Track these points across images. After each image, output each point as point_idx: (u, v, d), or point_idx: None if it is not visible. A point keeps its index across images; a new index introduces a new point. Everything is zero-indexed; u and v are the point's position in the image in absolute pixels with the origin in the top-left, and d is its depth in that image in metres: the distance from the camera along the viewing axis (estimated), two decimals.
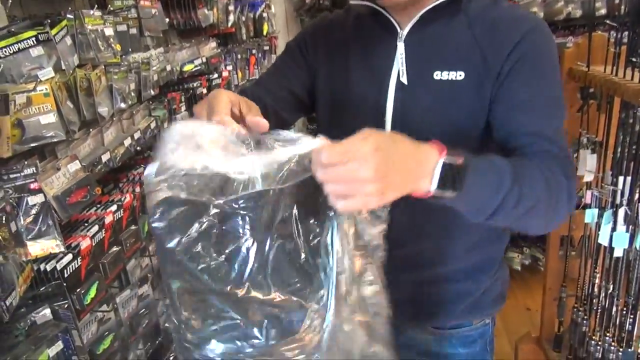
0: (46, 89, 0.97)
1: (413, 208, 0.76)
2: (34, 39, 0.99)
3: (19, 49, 0.98)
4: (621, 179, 1.56)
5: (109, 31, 1.14)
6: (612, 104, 1.65)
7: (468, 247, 0.97)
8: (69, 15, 1.09)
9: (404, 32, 0.90)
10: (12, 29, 0.99)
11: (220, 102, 0.68)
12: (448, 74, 0.86)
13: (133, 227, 1.24)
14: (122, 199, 1.21)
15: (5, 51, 0.95)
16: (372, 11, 0.92)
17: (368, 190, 0.58)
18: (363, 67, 0.93)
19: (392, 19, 0.90)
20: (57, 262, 0.98)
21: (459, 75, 0.86)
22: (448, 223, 0.93)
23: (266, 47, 2.62)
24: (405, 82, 0.89)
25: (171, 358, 1.42)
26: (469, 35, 0.87)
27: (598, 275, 1.74)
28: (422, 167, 0.63)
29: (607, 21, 1.66)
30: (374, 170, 0.57)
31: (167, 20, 1.64)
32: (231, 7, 2.14)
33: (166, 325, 1.35)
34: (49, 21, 1.02)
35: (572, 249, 2.04)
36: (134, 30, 1.39)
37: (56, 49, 1.03)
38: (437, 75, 0.87)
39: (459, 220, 0.80)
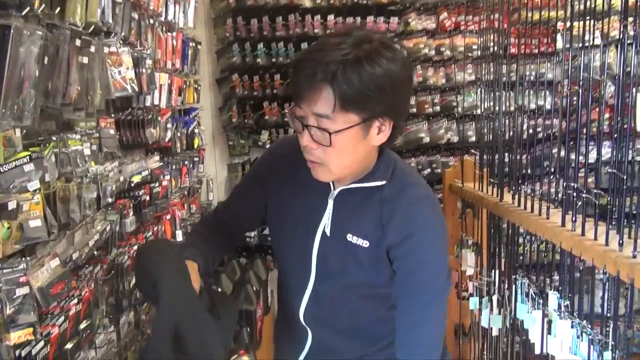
0: (38, 198, 1.17)
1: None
2: (27, 157, 1.21)
3: (15, 165, 1.18)
4: (493, 272, 1.97)
5: (87, 151, 1.38)
6: (481, 213, 2.12)
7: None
8: (53, 137, 1.32)
9: (334, 192, 1.12)
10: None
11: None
12: (357, 240, 1.11)
13: (89, 320, 1.39)
14: (82, 293, 1.37)
15: (4, 167, 1.15)
16: None
17: None
18: (302, 207, 1.17)
19: None
20: (32, 348, 1.12)
21: (365, 243, 1.10)
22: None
23: (196, 159, 2.93)
24: (328, 234, 1.13)
25: None
26: (378, 212, 1.10)
27: (486, 355, 2.09)
28: None
29: (472, 150, 2.18)
30: None
31: (117, 137, 1.89)
32: (169, 125, 2.45)
33: None
34: (42, 141, 1.25)
35: (464, 336, 2.39)
36: (94, 147, 1.63)
37: (43, 165, 1.24)
38: (349, 237, 1.11)
39: None
